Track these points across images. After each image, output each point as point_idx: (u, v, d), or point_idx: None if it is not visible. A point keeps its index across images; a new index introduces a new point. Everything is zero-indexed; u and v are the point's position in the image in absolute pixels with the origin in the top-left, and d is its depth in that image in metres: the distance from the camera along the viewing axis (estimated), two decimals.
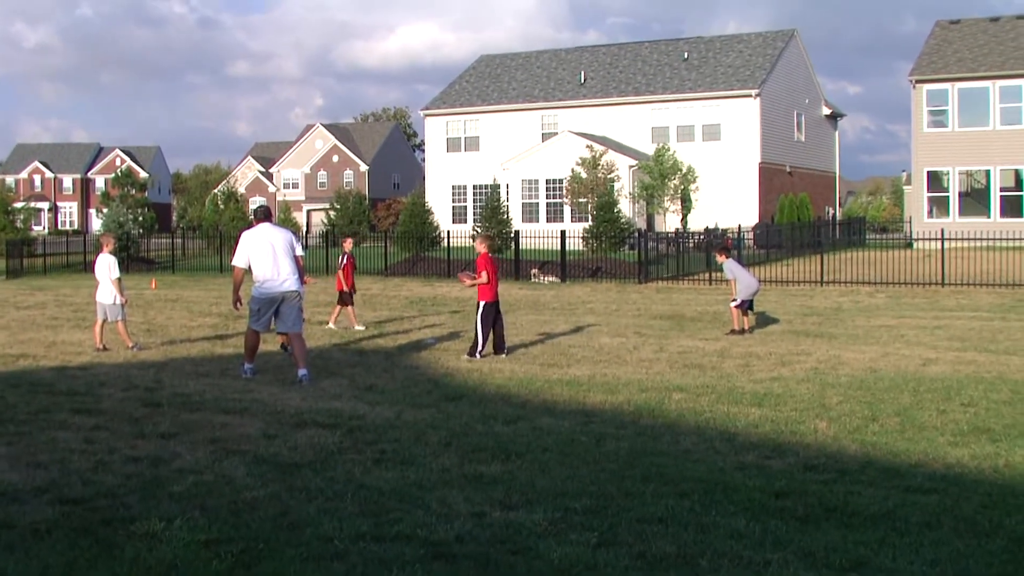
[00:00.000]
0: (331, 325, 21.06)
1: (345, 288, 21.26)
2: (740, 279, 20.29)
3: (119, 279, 17.73)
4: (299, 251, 14.65)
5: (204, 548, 6.82)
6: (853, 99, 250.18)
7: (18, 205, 65.67)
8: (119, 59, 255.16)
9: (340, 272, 21.46)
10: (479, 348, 16.42)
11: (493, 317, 16.74)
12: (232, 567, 6.47)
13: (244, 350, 14.95)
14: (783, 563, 6.53)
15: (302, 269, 14.83)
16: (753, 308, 20.76)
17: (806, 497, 8.03)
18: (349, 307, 21.41)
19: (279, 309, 14.42)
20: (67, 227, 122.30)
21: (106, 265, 17.75)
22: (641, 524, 7.35)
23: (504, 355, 16.67)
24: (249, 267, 14.42)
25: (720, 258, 21.45)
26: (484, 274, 16.70)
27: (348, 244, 22.69)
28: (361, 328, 20.89)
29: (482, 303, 16.76)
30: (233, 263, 14.67)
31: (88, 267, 44.05)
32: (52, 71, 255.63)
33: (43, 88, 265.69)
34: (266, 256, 14.29)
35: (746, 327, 19.95)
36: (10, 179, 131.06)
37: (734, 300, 20.13)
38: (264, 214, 14.97)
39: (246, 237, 14.57)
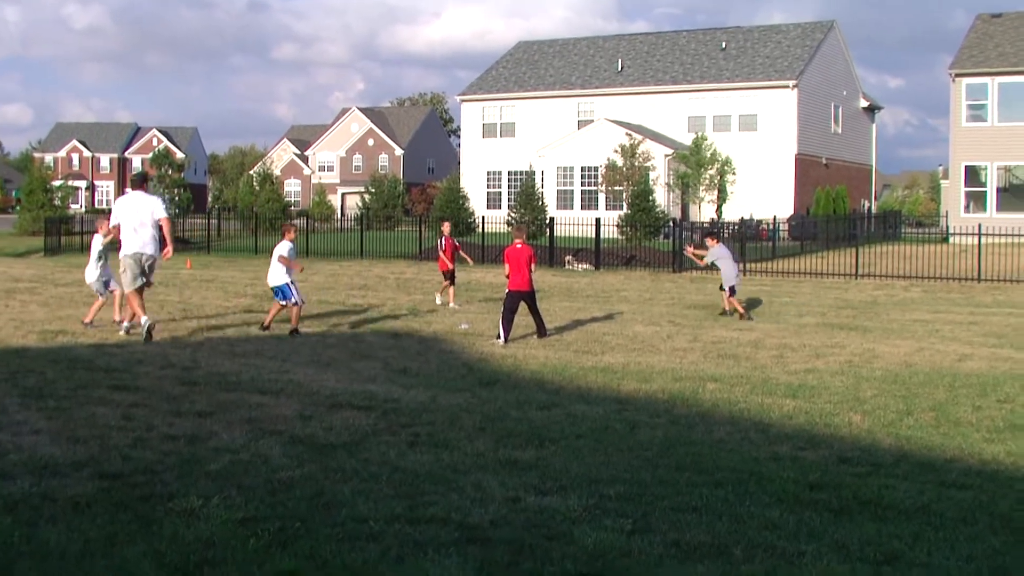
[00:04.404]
0: (438, 301, 22.76)
1: (450, 267, 23.10)
2: (724, 267, 21.29)
3: (98, 259, 18.29)
4: (164, 214, 16.51)
5: (241, 526, 6.89)
6: (894, 92, 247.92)
7: (56, 183, 66.15)
8: (166, 41, 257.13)
9: (442, 254, 23.35)
10: (502, 335, 16.67)
11: (515, 306, 17.00)
12: (268, 545, 6.54)
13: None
14: (817, 555, 6.54)
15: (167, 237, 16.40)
16: (733, 295, 21.29)
17: (840, 489, 8.02)
18: (446, 283, 23.21)
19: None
20: (104, 205, 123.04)
21: (95, 246, 18.43)
22: (675, 512, 7.38)
23: (541, 337, 17.16)
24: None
25: (711, 242, 22.45)
26: (507, 267, 17.53)
27: (447, 227, 24.23)
28: (455, 307, 22.28)
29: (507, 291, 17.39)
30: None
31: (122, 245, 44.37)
32: (99, 52, 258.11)
33: (88, 69, 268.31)
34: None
35: (727, 308, 21.14)
36: (49, 157, 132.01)
37: (723, 287, 21.32)
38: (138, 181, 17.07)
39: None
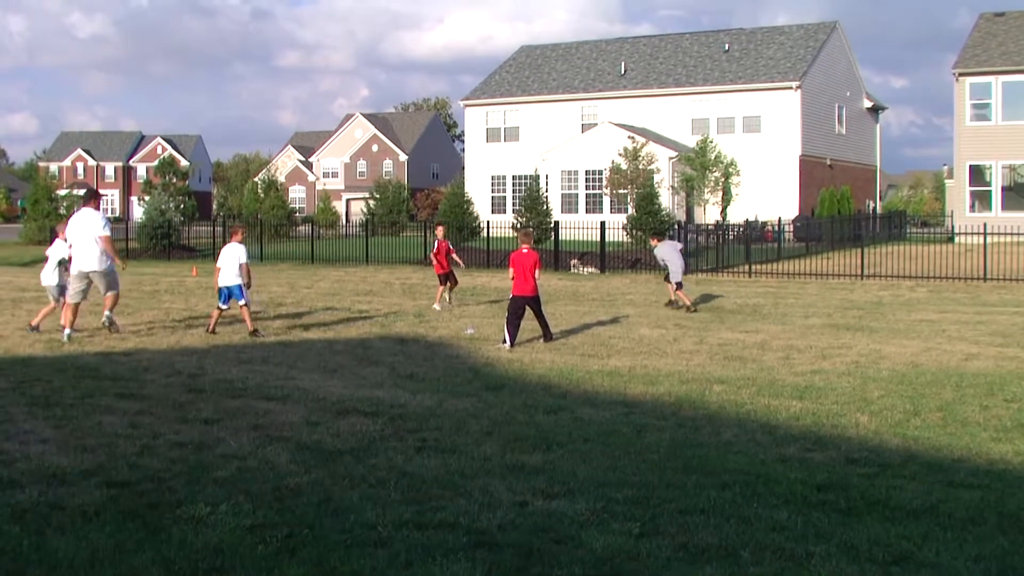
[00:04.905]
0: (437, 308, 22.81)
1: (444, 269, 23.52)
2: (672, 262, 23.23)
3: (57, 264, 18.45)
4: (103, 232, 17.07)
5: (249, 533, 6.91)
6: (898, 92, 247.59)
7: (61, 192, 66.21)
8: (170, 49, 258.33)
9: (434, 256, 23.95)
10: (507, 339, 16.66)
11: (519, 311, 16.99)
12: (277, 552, 6.55)
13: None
14: (825, 556, 6.54)
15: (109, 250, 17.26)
16: (681, 289, 23.29)
17: (848, 490, 8.02)
18: (441, 287, 23.60)
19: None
20: (109, 214, 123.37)
21: (56, 251, 18.55)
22: (683, 515, 7.37)
23: (547, 341, 17.14)
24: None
25: (653, 242, 24.71)
26: (510, 271, 17.55)
27: (440, 231, 24.99)
28: (437, 307, 22.77)
29: (510, 296, 17.45)
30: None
31: (129, 254, 44.52)
32: (104, 61, 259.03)
33: (93, 78, 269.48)
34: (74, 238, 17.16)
35: (673, 299, 23.11)
36: (54, 167, 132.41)
37: (671, 282, 23.19)
38: (86, 198, 18.01)
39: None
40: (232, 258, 18.10)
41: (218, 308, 18.33)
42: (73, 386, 12.55)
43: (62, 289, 18.40)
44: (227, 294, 18.05)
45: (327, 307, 23.02)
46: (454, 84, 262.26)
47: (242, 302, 17.97)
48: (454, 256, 24.49)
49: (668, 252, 23.70)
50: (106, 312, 17.68)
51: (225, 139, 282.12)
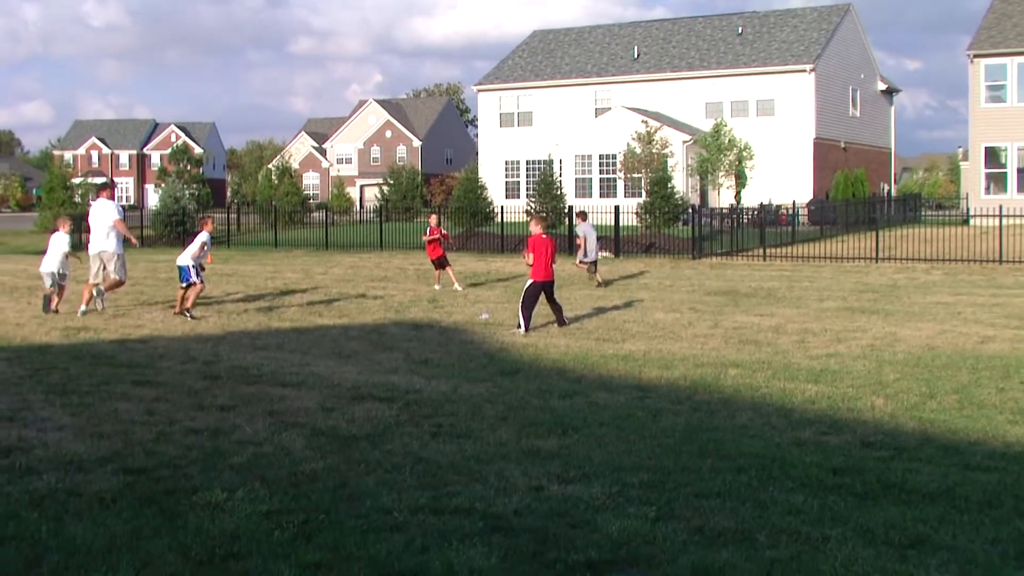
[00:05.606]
0: (437, 287, 23.95)
1: (438, 254, 24.34)
2: (590, 240, 25.05)
3: (66, 253, 19.68)
4: (115, 216, 18.95)
5: (266, 519, 6.92)
6: (912, 75, 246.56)
7: (76, 181, 66.41)
8: (184, 37, 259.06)
9: (426, 241, 24.81)
10: (522, 324, 16.55)
11: (537, 295, 16.90)
12: (294, 538, 6.56)
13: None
14: (842, 539, 6.53)
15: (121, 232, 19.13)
16: (596, 270, 25.21)
17: (864, 474, 8.00)
18: (445, 269, 24.29)
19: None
20: (124, 202, 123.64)
21: (58, 242, 19.63)
22: (699, 499, 7.37)
23: (561, 325, 17.05)
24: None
25: (579, 220, 26.46)
26: (530, 255, 17.20)
27: (433, 219, 25.62)
28: (459, 288, 23.70)
29: (529, 281, 17.11)
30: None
31: (144, 242, 44.64)
32: (118, 49, 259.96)
33: (107, 66, 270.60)
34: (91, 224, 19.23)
35: (597, 279, 24.75)
36: (68, 155, 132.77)
37: (582, 261, 25.20)
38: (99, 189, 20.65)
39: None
40: (195, 243, 19.14)
41: (184, 287, 18.90)
42: (89, 373, 12.60)
43: (62, 276, 19.46)
44: (187, 271, 18.80)
45: (341, 293, 23.04)
46: (467, 69, 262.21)
47: (183, 284, 18.80)
48: (442, 238, 25.01)
49: (590, 231, 25.36)
50: (99, 285, 19.17)
51: (239, 126, 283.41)
